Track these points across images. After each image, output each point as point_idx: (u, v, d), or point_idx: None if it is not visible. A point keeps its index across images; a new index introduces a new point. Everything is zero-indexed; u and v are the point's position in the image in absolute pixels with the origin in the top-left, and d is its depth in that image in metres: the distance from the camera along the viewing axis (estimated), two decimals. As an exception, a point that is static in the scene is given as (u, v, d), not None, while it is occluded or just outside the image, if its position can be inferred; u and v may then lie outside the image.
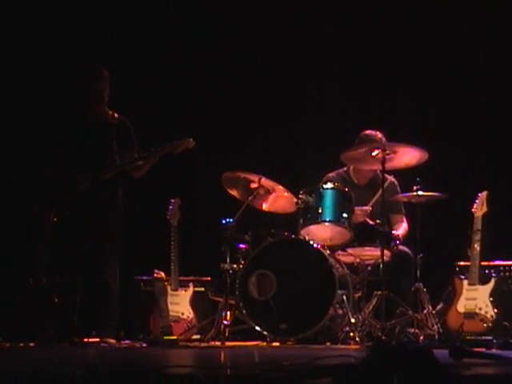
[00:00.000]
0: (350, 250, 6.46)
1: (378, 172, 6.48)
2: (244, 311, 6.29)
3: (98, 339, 6.31)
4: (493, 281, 6.31)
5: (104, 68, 6.57)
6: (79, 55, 7.58)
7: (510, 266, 6.56)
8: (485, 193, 6.50)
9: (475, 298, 6.26)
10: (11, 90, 7.82)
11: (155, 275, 6.93)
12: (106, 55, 7.31)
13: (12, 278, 7.13)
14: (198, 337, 6.56)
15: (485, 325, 6.18)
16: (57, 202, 6.54)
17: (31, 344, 6.27)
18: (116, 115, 6.62)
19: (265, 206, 6.80)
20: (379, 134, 6.74)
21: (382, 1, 7.89)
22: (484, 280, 6.32)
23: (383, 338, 5.99)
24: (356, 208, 6.45)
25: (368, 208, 6.57)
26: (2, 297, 6.99)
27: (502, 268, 6.53)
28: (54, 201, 6.57)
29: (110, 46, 7.85)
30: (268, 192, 6.72)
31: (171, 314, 6.83)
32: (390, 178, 6.86)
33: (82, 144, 6.55)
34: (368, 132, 6.79)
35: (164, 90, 8.14)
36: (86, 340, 6.28)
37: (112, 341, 6.34)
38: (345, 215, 6.41)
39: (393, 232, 6.53)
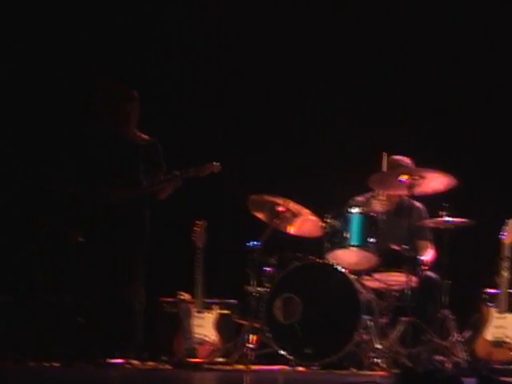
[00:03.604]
0: (376, 275, 6.44)
1: (406, 197, 6.45)
2: (269, 335, 6.26)
3: (121, 360, 6.28)
4: (522, 309, 6.24)
5: (133, 90, 6.58)
6: (110, 75, 7.62)
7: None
8: (513, 220, 6.44)
9: (504, 327, 6.19)
10: (38, 103, 7.88)
11: (180, 297, 6.92)
12: (138, 77, 7.33)
13: (36, 296, 7.14)
14: (223, 360, 6.53)
15: (513, 354, 6.11)
16: (83, 222, 6.55)
17: (55, 364, 6.27)
18: (145, 136, 6.61)
19: (291, 230, 6.79)
20: (407, 160, 6.74)
21: (407, 26, 7.89)
22: (513, 308, 6.26)
23: (409, 364, 5.94)
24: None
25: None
26: (27, 315, 7.00)
27: (531, 296, 6.45)
28: (80, 220, 6.58)
29: (141, 68, 7.90)
30: (294, 215, 6.71)
31: (195, 336, 6.81)
32: (418, 204, 6.83)
33: (108, 164, 6.55)
34: (397, 157, 6.78)
35: (192, 113, 8.15)
36: (109, 361, 6.25)
37: (136, 362, 6.31)
38: (371, 240, 6.39)
39: (419, 258, 6.49)
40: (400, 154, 6.81)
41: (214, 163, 6.56)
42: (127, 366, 6.22)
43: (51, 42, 7.99)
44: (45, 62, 7.95)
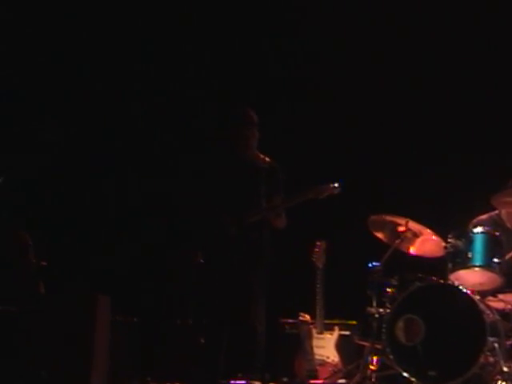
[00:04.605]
0: (501, 296, 6.34)
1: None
2: (391, 356, 6.19)
3: (243, 381, 6.31)
4: None
5: (253, 113, 6.60)
6: (231, 99, 7.74)
7: None
8: None
9: None
10: (162, 131, 8.07)
11: (300, 318, 6.92)
12: (257, 100, 7.41)
13: (160, 318, 7.26)
14: (344, 381, 6.49)
15: None
16: (205, 244, 6.62)
17: (178, 384, 6.37)
18: (267, 159, 6.59)
19: (412, 250, 6.72)
20: (534, 179, 6.58)
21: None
22: None
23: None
24: None
25: None
26: (151, 337, 7.13)
27: None
28: (202, 242, 6.65)
29: (258, 90, 7.99)
30: (415, 235, 6.63)
31: (316, 357, 6.80)
32: (544, 223, 6.66)
33: (230, 187, 6.59)
34: (522, 174, 6.64)
35: (312, 134, 8.18)
36: (232, 382, 6.29)
37: (257, 383, 6.34)
38: (495, 260, 6.27)
39: (546, 278, 6.33)
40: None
41: (333, 185, 6.52)
42: (249, 386, 6.26)
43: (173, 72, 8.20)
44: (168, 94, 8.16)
